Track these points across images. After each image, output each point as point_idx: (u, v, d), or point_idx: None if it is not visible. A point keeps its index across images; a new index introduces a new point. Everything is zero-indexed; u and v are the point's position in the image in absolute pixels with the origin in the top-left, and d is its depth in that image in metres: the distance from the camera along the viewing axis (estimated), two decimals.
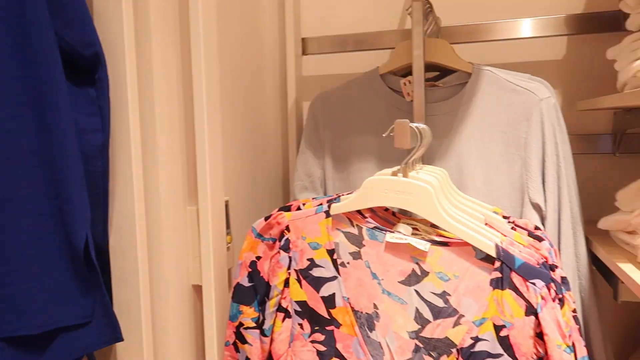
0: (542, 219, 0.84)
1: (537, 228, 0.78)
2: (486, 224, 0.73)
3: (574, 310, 0.65)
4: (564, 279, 0.66)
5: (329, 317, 0.72)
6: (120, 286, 0.71)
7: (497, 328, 0.64)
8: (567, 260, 0.84)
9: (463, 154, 0.89)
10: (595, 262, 0.87)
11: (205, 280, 0.78)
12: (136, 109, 0.70)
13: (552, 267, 0.66)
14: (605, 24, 0.95)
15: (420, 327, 0.69)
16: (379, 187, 0.69)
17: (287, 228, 0.73)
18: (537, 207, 0.84)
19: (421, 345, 0.69)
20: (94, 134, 0.65)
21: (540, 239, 0.73)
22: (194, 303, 0.82)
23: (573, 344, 0.61)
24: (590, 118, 1.04)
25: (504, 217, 0.78)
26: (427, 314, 0.69)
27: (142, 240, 0.72)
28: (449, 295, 0.68)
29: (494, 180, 0.87)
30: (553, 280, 0.62)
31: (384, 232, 0.70)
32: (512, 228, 0.75)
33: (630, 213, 0.75)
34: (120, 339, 0.64)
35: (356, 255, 0.72)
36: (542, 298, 0.61)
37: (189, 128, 0.79)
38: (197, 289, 0.82)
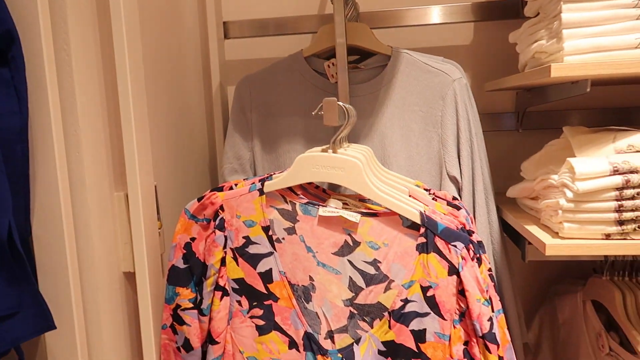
0: (459, 191, 0.92)
1: (454, 198, 0.85)
2: (410, 195, 0.78)
3: (490, 270, 0.72)
4: (479, 242, 0.72)
5: (266, 292, 0.74)
6: (46, 276, 0.68)
7: (424, 289, 0.69)
8: (481, 227, 0.92)
9: (386, 132, 0.94)
10: (505, 228, 0.96)
11: (138, 267, 0.77)
12: (55, 90, 0.67)
13: (470, 232, 0.73)
14: (507, 11, 1.05)
15: (354, 294, 0.73)
16: (311, 163, 0.72)
17: (221, 207, 0.74)
18: (454, 180, 0.91)
19: (355, 311, 0.73)
20: (10, 117, 0.61)
21: (458, 208, 0.79)
22: (126, 290, 0.80)
23: (490, 299, 0.68)
24: (496, 98, 1.13)
25: (425, 190, 0.84)
26: (360, 281, 0.73)
27: (69, 228, 0.69)
28: (380, 262, 0.72)
29: (414, 156, 0.93)
30: (471, 242, 0.69)
31: (316, 206, 0.73)
32: (433, 199, 0.81)
33: (533, 181, 0.83)
34: (53, 327, 0.61)
35: (291, 231, 0.74)
36: (463, 258, 0.67)
37: (111, 110, 0.77)
38: (129, 276, 0.80)
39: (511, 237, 0.97)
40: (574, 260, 1.03)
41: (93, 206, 0.73)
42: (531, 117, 1.09)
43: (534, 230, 0.78)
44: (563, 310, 1.01)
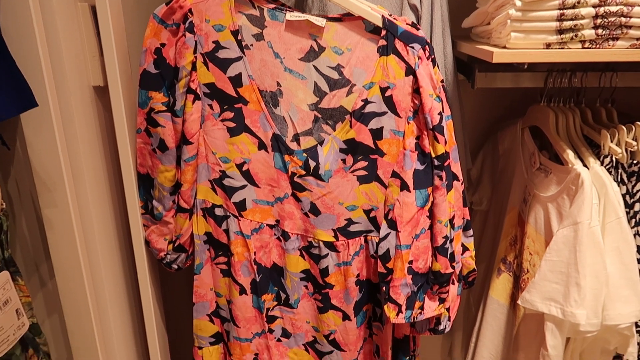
0: (418, 20, 0.96)
1: (414, 24, 0.90)
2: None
3: (442, 81, 0.79)
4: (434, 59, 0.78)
5: (236, 96, 0.78)
6: None
7: (383, 90, 0.76)
8: (436, 57, 0.97)
9: None
10: (458, 66, 1.02)
11: (110, 78, 0.78)
12: None
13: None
14: None
15: (318, 99, 0.79)
16: None
17: (190, 11, 0.75)
18: (413, 8, 0.95)
19: (320, 115, 0.80)
20: None
21: (417, 29, 0.84)
22: (97, 105, 0.83)
23: (440, 97, 0.75)
24: None
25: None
26: (324, 86, 0.78)
27: (40, 35, 0.69)
28: (343, 67, 0.77)
29: None
30: (428, 44, 0.74)
31: (284, 11, 0.76)
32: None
33: (486, 4, 0.88)
34: (35, 105, 0.64)
35: (259, 37, 0.77)
36: (419, 58, 0.73)
37: None
38: (98, 90, 0.82)
39: (462, 70, 1.04)
40: (518, 91, 1.12)
41: (60, 17, 0.72)
42: None
43: (484, 47, 0.84)
44: (503, 142, 1.12)
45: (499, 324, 1.08)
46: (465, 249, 0.90)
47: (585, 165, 0.86)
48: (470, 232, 0.91)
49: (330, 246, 0.83)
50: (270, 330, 0.90)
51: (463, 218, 0.88)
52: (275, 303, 0.90)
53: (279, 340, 0.91)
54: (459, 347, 1.36)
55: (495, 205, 1.19)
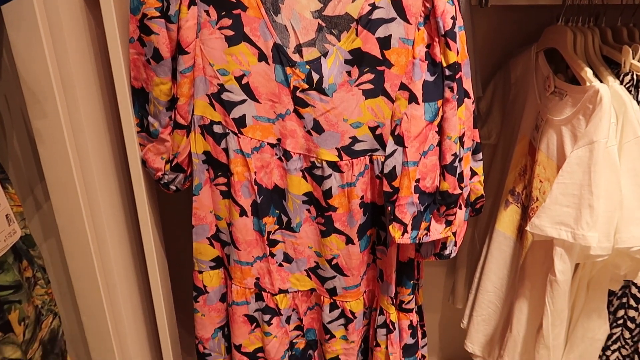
0: None
1: None
2: None
3: None
4: None
5: (234, 0, 0.73)
6: None
7: None
8: None
9: None
10: None
11: None
12: None
13: None
14: None
15: (322, 5, 0.74)
16: None
17: None
18: None
19: (323, 24, 0.75)
20: None
21: None
22: (87, 13, 0.78)
23: (453, 1, 0.70)
24: None
25: None
26: None
27: None
28: None
29: None
30: None
31: None
32: None
33: None
34: None
35: None
36: None
37: None
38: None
39: None
40: (534, 19, 1.06)
41: None
42: None
43: None
44: (516, 69, 1.07)
45: (504, 257, 1.06)
46: (474, 173, 0.87)
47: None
48: (480, 156, 0.87)
49: (334, 166, 0.80)
50: (272, 255, 0.88)
51: (473, 140, 0.84)
52: (277, 227, 0.87)
53: (280, 265, 0.90)
54: (462, 285, 1.35)
55: (505, 138, 1.15)
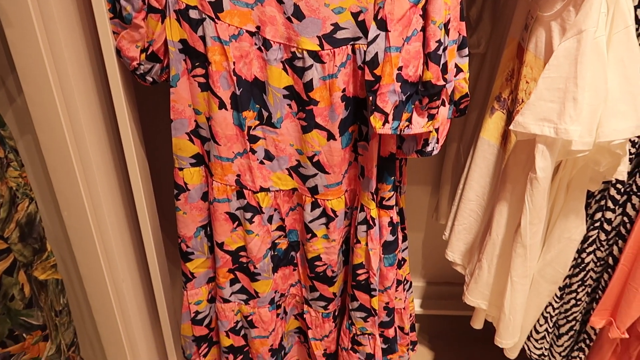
0: None
1: None
2: None
3: None
4: None
5: None
6: None
7: None
8: None
9: None
10: None
11: None
12: None
13: None
14: None
15: None
16: None
17: None
18: None
19: None
20: None
21: None
22: None
23: None
24: None
25: None
26: None
27: None
28: None
29: None
30: None
31: None
32: None
33: None
34: None
35: None
36: None
37: None
38: None
39: None
40: None
41: None
42: None
43: None
44: None
45: (488, 165, 1.06)
46: (459, 70, 0.85)
47: None
48: (466, 51, 0.85)
49: (315, 56, 0.78)
50: (253, 151, 0.87)
51: (459, 33, 0.81)
52: (257, 122, 0.86)
53: (261, 162, 0.89)
54: (445, 200, 1.36)
55: (494, 45, 1.12)
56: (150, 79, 0.84)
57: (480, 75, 1.17)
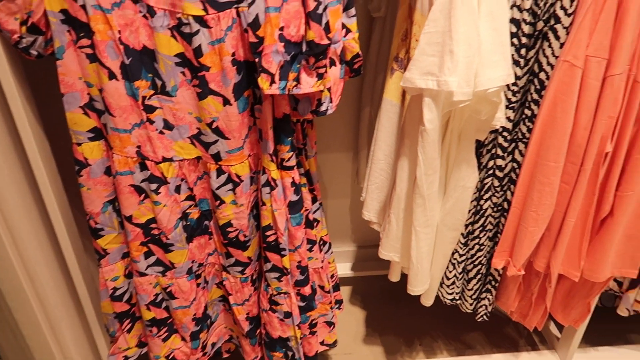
0: None
1: None
2: None
3: None
4: None
5: None
6: None
7: None
8: None
9: None
10: None
11: None
12: None
13: None
14: None
15: None
16: None
17: None
18: None
19: None
20: None
21: None
22: None
23: None
24: None
25: None
26: None
27: None
28: None
29: None
30: None
31: None
32: None
33: None
34: None
35: None
36: None
37: None
38: None
39: None
40: None
41: None
42: None
43: None
44: None
45: (392, 124, 1.11)
46: (348, 30, 0.88)
47: None
48: (352, 11, 0.87)
49: (201, 21, 0.78)
50: (150, 121, 0.88)
51: None
52: (152, 92, 0.86)
53: (161, 132, 0.89)
54: (364, 164, 1.41)
55: (392, 8, 1.16)
56: (35, 53, 0.82)
57: (382, 37, 1.21)
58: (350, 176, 1.59)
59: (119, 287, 1.03)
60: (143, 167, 0.91)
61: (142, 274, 1.01)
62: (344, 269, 1.67)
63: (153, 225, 0.97)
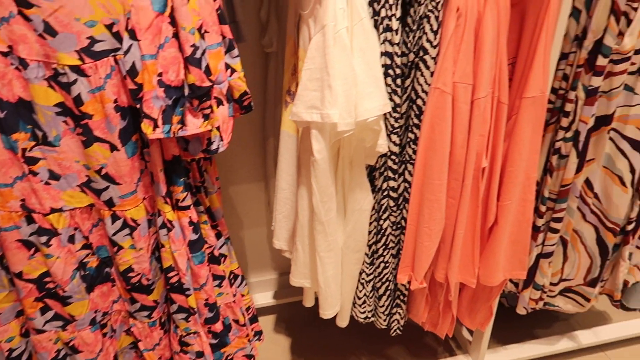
0: None
1: None
2: None
3: None
4: None
5: None
6: None
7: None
8: None
9: None
10: None
11: None
12: None
13: None
14: None
15: None
16: None
17: None
18: None
19: None
20: None
21: None
22: None
23: None
24: None
25: None
26: None
27: None
28: None
29: None
30: None
31: None
32: None
33: None
34: None
35: None
36: None
37: None
38: None
39: None
40: None
41: None
42: None
43: None
44: None
45: (291, 155, 1.14)
46: (233, 70, 0.91)
47: None
48: (235, 52, 0.90)
49: (78, 70, 0.78)
50: (34, 173, 0.85)
51: (223, 36, 0.86)
52: (33, 143, 0.84)
53: (47, 183, 0.87)
54: (273, 193, 1.43)
55: (282, 43, 1.20)
56: None
57: (277, 71, 1.25)
58: (264, 205, 1.61)
59: (15, 347, 0.98)
60: (30, 220, 0.88)
61: (40, 331, 0.97)
62: (266, 297, 1.67)
63: (47, 279, 0.93)
